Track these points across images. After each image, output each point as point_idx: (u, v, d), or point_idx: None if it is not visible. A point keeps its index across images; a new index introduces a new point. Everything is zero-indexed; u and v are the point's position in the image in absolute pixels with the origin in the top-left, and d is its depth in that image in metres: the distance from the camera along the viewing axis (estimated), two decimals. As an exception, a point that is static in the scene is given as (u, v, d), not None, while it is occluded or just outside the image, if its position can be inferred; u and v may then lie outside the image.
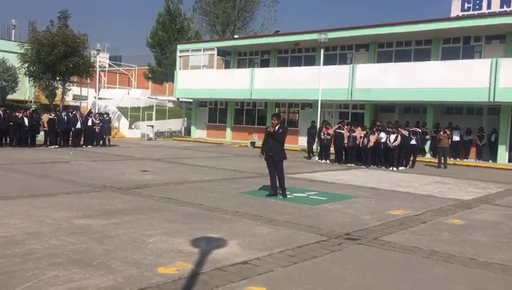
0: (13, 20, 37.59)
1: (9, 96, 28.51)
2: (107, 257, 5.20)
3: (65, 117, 20.58)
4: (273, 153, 9.64)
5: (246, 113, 30.10)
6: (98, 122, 21.84)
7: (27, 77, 27.68)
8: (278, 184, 9.77)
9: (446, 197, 10.94)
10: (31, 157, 15.83)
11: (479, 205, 10.06)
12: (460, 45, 22.71)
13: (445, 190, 12.27)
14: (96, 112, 24.92)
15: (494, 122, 21.63)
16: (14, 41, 31.88)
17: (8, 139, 19.54)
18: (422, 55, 23.17)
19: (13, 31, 37.22)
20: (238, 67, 30.47)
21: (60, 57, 25.18)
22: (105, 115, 22.99)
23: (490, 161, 21.00)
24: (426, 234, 7.09)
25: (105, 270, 4.79)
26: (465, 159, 21.48)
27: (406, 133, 17.65)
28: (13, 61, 27.62)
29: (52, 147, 19.97)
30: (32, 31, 26.89)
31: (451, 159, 20.21)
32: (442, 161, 18.23)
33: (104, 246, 5.62)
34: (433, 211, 9.05)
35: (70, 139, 21.14)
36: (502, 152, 20.84)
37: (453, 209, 9.38)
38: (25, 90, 30.33)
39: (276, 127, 9.60)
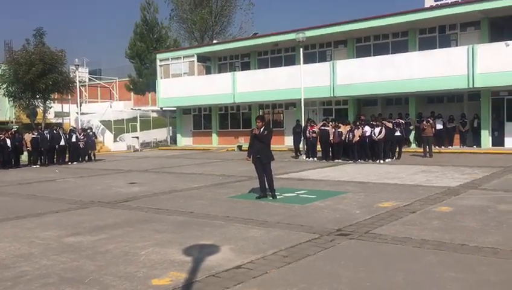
0: (-13, 41, 37.16)
1: (-11, 118, 28.11)
2: (99, 273, 5.16)
3: (48, 135, 20.36)
4: (261, 155, 9.65)
5: (230, 117, 30.09)
6: (82, 137, 21.65)
7: (6, 98, 27.34)
8: (267, 186, 9.78)
9: (433, 185, 11.06)
10: (16, 178, 15.62)
11: (466, 190, 10.19)
12: (436, 34, 22.99)
13: (432, 178, 12.40)
14: (79, 127, 24.69)
15: (475, 107, 21.94)
16: (-10, 62, 31.43)
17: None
18: (400, 47, 23.40)
19: (-12, 52, 36.76)
20: (219, 72, 30.47)
21: (38, 75, 24.96)
22: (88, 130, 22.80)
23: (474, 147, 21.29)
24: (416, 223, 7.16)
25: (98, 286, 4.75)
26: (450, 147, 21.73)
27: (390, 125, 17.80)
28: (-9, 82, 27.22)
29: (36, 166, 19.73)
30: (8, 51, 26.62)
31: (436, 147, 20.43)
32: (428, 150, 18.43)
33: (96, 262, 5.57)
34: (421, 200, 9.14)
35: (55, 157, 20.91)
36: (485, 137, 21.15)
37: (441, 197, 9.48)
38: (5, 111, 29.95)
39: (261, 129, 9.61)
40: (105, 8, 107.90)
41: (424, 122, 18.69)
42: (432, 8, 22.69)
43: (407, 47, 23.40)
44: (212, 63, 31.06)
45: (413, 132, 22.68)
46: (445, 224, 7.07)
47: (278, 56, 28.24)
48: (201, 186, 12.32)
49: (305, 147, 19.87)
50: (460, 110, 22.46)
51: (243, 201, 9.70)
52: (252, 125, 28.41)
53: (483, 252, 5.59)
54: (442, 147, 21.42)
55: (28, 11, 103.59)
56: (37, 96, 26.74)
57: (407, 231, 6.70)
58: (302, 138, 20.11)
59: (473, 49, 19.77)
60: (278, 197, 9.73)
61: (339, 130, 17.93)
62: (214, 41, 34.47)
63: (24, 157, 20.56)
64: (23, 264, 5.56)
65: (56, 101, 32.08)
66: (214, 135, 30.35)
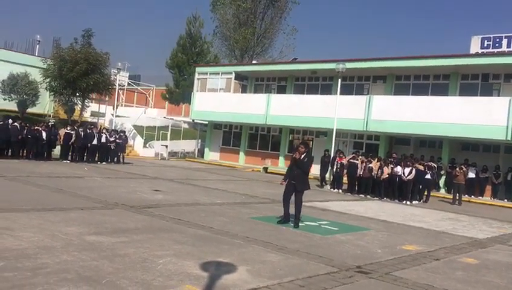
0: (38, 36, 38.67)
1: (29, 110, 29.05)
2: (116, 276, 5.19)
3: (82, 133, 20.84)
4: (296, 182, 9.45)
5: (260, 138, 30.19)
6: (113, 139, 22.07)
7: (48, 92, 28.25)
8: (292, 212, 9.61)
9: (460, 234, 10.75)
10: (46, 171, 16.01)
11: (493, 244, 9.86)
12: (479, 82, 22.66)
13: (459, 227, 12.06)
14: (112, 129, 25.21)
15: (511, 161, 21.34)
16: (38, 56, 32.67)
17: (25, 151, 19.83)
18: (440, 90, 23.14)
19: (37, 46, 38.26)
20: (255, 92, 30.73)
21: (81, 74, 25.74)
22: (121, 133, 23.24)
23: (506, 200, 20.63)
24: (439, 271, 6.95)
25: (114, 289, 4.77)
26: (480, 197, 21.14)
27: (421, 168, 17.50)
28: (35, 75, 28.23)
29: (66, 161, 20.17)
30: (56, 48, 27.62)
31: (466, 196, 19.93)
32: (457, 198, 17.99)
33: (114, 265, 5.61)
34: (446, 248, 8.88)
35: (86, 155, 21.35)
36: (518, 191, 20.49)
37: (466, 247, 9.20)
38: (45, 105, 30.90)
39: (302, 155, 9.45)
40: (153, 18, 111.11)
41: (457, 169, 18.29)
42: (476, 55, 22.48)
43: (447, 90, 23.12)
44: (249, 82, 31.39)
45: (443, 177, 22.21)
46: (469, 276, 6.84)
47: (315, 84, 28.32)
48: (224, 203, 12.33)
49: (332, 177, 19.69)
50: (495, 161, 21.89)
51: (264, 223, 9.64)
52: (281, 149, 28.55)
53: (507, 311, 5.37)
54: (473, 196, 20.87)
55: (79, 12, 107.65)
56: (77, 94, 27.53)
57: (429, 278, 6.51)
58: (330, 168, 19.96)
59: (515, 101, 19.34)
60: (299, 224, 9.61)
61: (370, 165, 17.71)
62: (254, 62, 34.90)
63: (57, 151, 21.06)
64: (44, 257, 5.66)
65: (94, 101, 32.94)
66: (242, 154, 30.45)
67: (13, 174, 13.82)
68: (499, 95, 21.62)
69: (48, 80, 26.70)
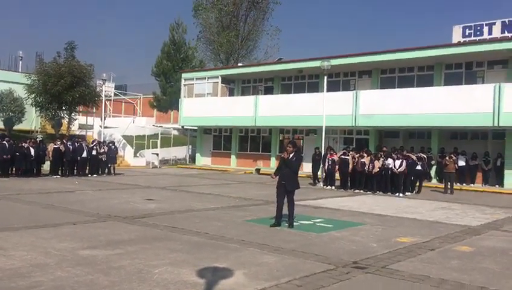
0: (20, 52, 38.32)
1: (15, 127, 28.77)
2: (112, 289, 5.15)
3: (71, 147, 20.68)
4: (286, 182, 9.39)
5: (250, 140, 30.20)
6: (102, 151, 21.92)
7: (34, 107, 28.00)
8: (285, 212, 9.59)
9: (453, 223, 10.83)
10: (36, 187, 15.86)
11: (487, 231, 9.94)
12: (463, 71, 22.86)
13: (452, 215, 12.15)
14: (101, 140, 25.04)
15: (500, 146, 21.57)
16: (21, 72, 32.39)
17: (14, 169, 19.62)
18: (425, 81, 23.32)
19: (20, 62, 37.89)
20: (242, 94, 30.73)
21: (66, 87, 25.55)
22: (110, 144, 23.11)
23: (497, 186, 20.83)
24: (435, 261, 6.99)
25: (111, 302, 4.74)
26: (472, 185, 21.32)
27: (415, 157, 17.67)
28: (20, 92, 27.97)
29: (56, 176, 20.00)
30: (39, 62, 27.36)
31: (458, 184, 20.08)
32: (449, 186, 18.12)
33: (110, 278, 5.57)
34: (441, 237, 8.94)
35: (76, 168, 21.19)
36: (509, 177, 20.67)
37: (461, 235, 9.27)
38: (32, 121, 30.63)
39: (291, 155, 9.43)
40: (135, 26, 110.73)
41: (447, 158, 18.44)
42: (459, 44, 22.68)
43: (432, 81, 23.30)
44: (235, 85, 31.39)
45: (434, 167, 22.37)
46: (464, 264, 6.89)
47: (302, 82, 28.40)
48: (217, 207, 12.30)
49: (324, 174, 19.74)
50: (483, 148, 22.10)
51: (259, 226, 9.64)
52: (272, 150, 28.58)
53: (504, 296, 5.42)
54: (464, 184, 21.05)
55: (59, 23, 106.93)
56: (63, 108, 27.32)
57: (425, 268, 6.54)
58: (321, 165, 20.01)
59: (500, 87, 19.54)
60: (294, 224, 9.60)
61: (362, 160, 17.77)
62: (239, 64, 34.89)
63: (46, 167, 20.88)
64: (38, 274, 5.60)
65: (81, 114, 32.70)
66: (233, 157, 30.43)
67: (2, 193, 13.66)
68: (483, 83, 21.83)
69: (32, 95, 26.47)
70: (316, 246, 7.83)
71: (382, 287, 5.66)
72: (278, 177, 9.61)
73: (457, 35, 25.76)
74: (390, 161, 17.19)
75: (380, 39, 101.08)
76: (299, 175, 9.90)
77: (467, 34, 25.47)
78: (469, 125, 20.73)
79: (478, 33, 25.11)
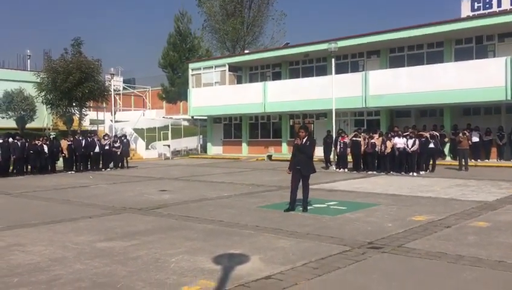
0: (28, 51, 38.69)
1: (28, 125, 29.08)
2: (130, 279, 5.21)
3: (83, 141, 20.86)
4: (301, 167, 9.29)
5: (260, 127, 30.16)
6: (118, 145, 22.11)
7: (44, 105, 28.26)
8: (299, 197, 9.55)
9: (469, 199, 10.74)
10: (51, 183, 16.06)
11: (503, 205, 9.85)
12: (473, 45, 22.49)
13: (468, 192, 12.04)
14: (113, 134, 25.22)
15: (514, 120, 21.27)
16: (30, 70, 32.64)
17: (29, 167, 19.88)
18: (435, 58, 22.99)
19: (28, 60, 38.26)
20: (250, 81, 30.63)
21: (75, 84, 25.70)
22: (123, 138, 23.27)
23: (512, 160, 20.59)
24: (451, 238, 6.95)
25: (129, 292, 4.80)
26: (486, 160, 21.10)
27: (428, 135, 17.52)
28: (30, 90, 28.23)
29: (71, 172, 20.23)
30: (47, 60, 27.52)
31: (472, 160, 19.88)
32: (463, 163, 17.95)
33: (127, 268, 5.63)
34: (456, 214, 8.87)
35: (89, 163, 21.40)
36: (524, 150, 20.43)
37: (477, 211, 9.19)
38: (43, 118, 30.94)
39: (304, 140, 9.33)
40: (140, 18, 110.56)
41: (460, 135, 18.25)
42: (468, 18, 22.27)
43: (442, 58, 22.97)
44: (243, 73, 31.28)
45: (448, 145, 22.16)
46: (481, 240, 6.83)
47: (310, 66, 28.19)
48: (231, 195, 12.34)
49: (336, 157, 19.67)
50: (497, 123, 21.81)
51: (273, 211, 9.65)
52: (282, 135, 28.53)
53: (522, 270, 5.37)
54: (479, 160, 20.83)
55: (65, 20, 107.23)
56: (74, 104, 27.52)
57: (441, 245, 6.50)
58: (333, 148, 19.94)
59: (511, 60, 19.19)
60: (308, 208, 9.59)
61: (372, 141, 17.66)
62: (246, 51, 34.71)
63: (60, 163, 21.11)
64: (57, 268, 5.68)
65: (91, 109, 32.94)
66: (244, 144, 30.45)
67: (19, 191, 13.87)
68: (494, 56, 21.46)
69: (43, 93, 26.70)
70: (330, 228, 7.83)
71: (399, 266, 5.64)
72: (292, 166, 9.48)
73: (466, 9, 25.28)
74: (397, 140, 17.05)
75: (387, 18, 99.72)
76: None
77: (475, 7, 24.97)
78: (481, 101, 20.45)
79: (487, 6, 24.59)
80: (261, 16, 41.87)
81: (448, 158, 22.08)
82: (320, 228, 7.88)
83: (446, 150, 22.31)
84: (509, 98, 19.24)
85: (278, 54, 28.54)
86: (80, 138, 21.16)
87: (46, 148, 19.88)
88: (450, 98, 20.73)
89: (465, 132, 18.63)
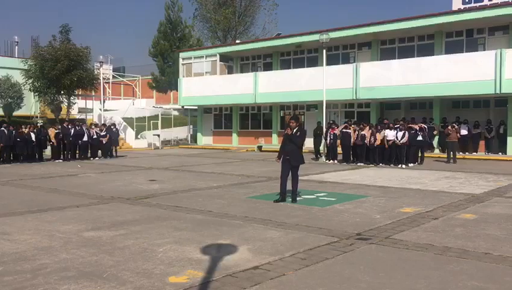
0: (16, 37, 38.11)
1: (15, 113, 28.73)
2: (117, 269, 5.17)
3: (72, 130, 20.65)
4: (290, 157, 9.31)
5: (251, 118, 30.10)
6: (104, 133, 21.91)
7: (32, 93, 27.89)
8: (289, 188, 9.58)
9: (457, 191, 10.82)
10: (39, 172, 15.89)
11: (491, 198, 9.94)
12: (463, 38, 22.57)
13: (456, 184, 12.14)
14: (102, 123, 25.00)
15: (502, 114, 21.46)
16: (18, 57, 32.18)
17: (16, 155, 19.63)
18: (426, 50, 23.04)
19: (16, 47, 37.69)
20: (241, 72, 30.49)
21: (63, 71, 25.38)
22: (112, 126, 23.07)
23: (500, 154, 20.81)
24: (438, 230, 7.00)
25: (116, 282, 4.76)
26: (475, 153, 21.29)
27: (417, 127, 17.62)
28: (17, 77, 27.86)
29: (58, 161, 20.03)
30: (34, 47, 27.15)
31: (460, 153, 20.05)
32: (451, 156, 18.09)
33: (114, 258, 5.59)
34: (444, 206, 8.94)
35: (78, 152, 21.21)
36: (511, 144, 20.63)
37: (464, 203, 9.27)
38: (31, 106, 30.58)
39: (295, 130, 9.35)
40: (131, 6, 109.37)
41: (449, 127, 18.36)
42: (459, 11, 22.30)
43: (432, 50, 23.03)
44: (234, 63, 31.12)
45: (437, 137, 22.30)
46: (468, 232, 6.89)
47: (301, 57, 28.12)
48: (220, 185, 12.31)
49: (326, 149, 19.71)
50: (486, 116, 21.99)
51: (262, 202, 9.65)
52: (273, 126, 28.51)
53: (508, 261, 5.42)
54: (467, 153, 21.02)
55: (54, 7, 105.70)
56: (62, 92, 27.19)
57: (429, 237, 6.55)
58: (323, 139, 19.96)
59: (501, 53, 19.31)
60: (297, 199, 9.61)
61: (362, 132, 17.70)
62: (237, 41, 34.54)
63: (48, 151, 20.90)
64: (43, 257, 5.62)
65: (80, 97, 32.59)
66: (234, 135, 30.39)
67: (5, 179, 13.71)
68: (484, 50, 21.57)
69: (30, 80, 26.34)
70: (319, 219, 7.84)
71: (386, 257, 5.66)
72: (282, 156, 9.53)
73: (457, 2, 25.32)
74: (387, 132, 17.12)
75: (378, 9, 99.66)
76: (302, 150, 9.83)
77: (466, 0, 25.04)
78: (471, 94, 20.57)
79: (478, -1, 24.70)
80: (253, 5, 41.69)
81: (436, 151, 22.24)
82: (309, 219, 7.88)
83: (435, 142, 22.46)
84: (498, 91, 19.38)
85: (269, 45, 28.40)
86: (69, 126, 20.93)
87: (33, 136, 19.65)
88: (440, 91, 20.82)
89: (454, 124, 18.76)
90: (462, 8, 24.26)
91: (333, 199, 9.89)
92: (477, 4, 23.84)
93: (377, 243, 6.29)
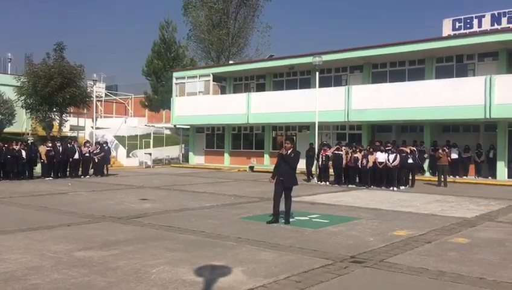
0: (9, 54, 38.06)
1: (6, 129, 28.49)
2: (109, 290, 5.10)
3: (60, 148, 20.48)
4: (284, 178, 9.35)
5: (243, 138, 30.14)
6: (99, 151, 21.80)
7: (24, 110, 27.73)
8: (282, 209, 9.55)
9: (449, 215, 10.87)
10: (29, 189, 15.71)
11: (482, 222, 9.99)
12: (454, 64, 22.94)
13: (447, 208, 12.20)
14: (94, 141, 24.87)
15: (492, 138, 21.70)
16: (11, 74, 32.10)
17: (6, 172, 19.40)
18: (417, 75, 23.38)
19: (9, 64, 37.61)
20: (234, 92, 30.64)
21: (56, 89, 25.29)
22: (104, 145, 22.95)
23: (489, 178, 20.96)
24: (432, 254, 7.00)
25: (109, 303, 4.68)
26: (465, 177, 21.44)
27: (408, 150, 17.75)
28: (10, 94, 27.70)
29: (49, 178, 19.83)
30: (28, 64, 27.08)
31: (451, 176, 20.19)
32: (442, 179, 18.20)
33: (107, 279, 5.51)
34: (437, 230, 8.96)
35: (68, 169, 21.02)
36: (501, 168, 20.81)
37: (456, 227, 9.30)
38: (22, 123, 30.36)
39: (289, 151, 9.41)
40: (125, 26, 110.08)
41: (440, 151, 18.51)
42: (449, 38, 22.74)
43: (423, 75, 23.38)
44: (227, 83, 31.30)
45: (427, 160, 22.46)
46: (462, 256, 6.90)
47: (293, 78, 28.37)
48: (213, 205, 12.25)
49: (318, 170, 19.74)
50: (476, 141, 22.22)
51: (255, 223, 9.60)
52: (265, 147, 28.55)
53: (502, 286, 5.44)
54: (457, 176, 21.16)
55: (48, 26, 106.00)
56: (54, 110, 27.06)
57: (423, 261, 6.55)
58: (315, 161, 20.01)
59: (490, 79, 19.64)
60: (290, 220, 9.57)
61: (355, 155, 17.78)
62: (230, 62, 34.81)
63: (38, 169, 20.69)
64: (34, 277, 5.52)
65: (72, 115, 32.44)
66: (226, 155, 30.35)
67: (-5, 196, 13.52)
68: (474, 75, 21.92)
69: (22, 97, 26.19)
70: (313, 241, 7.82)
71: (381, 281, 5.65)
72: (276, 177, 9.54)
73: (447, 28, 25.87)
74: (379, 154, 17.24)
75: (370, 34, 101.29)
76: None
77: (457, 27, 25.58)
78: (461, 118, 20.82)
79: (468, 26, 25.23)
80: (247, 27, 42.10)
81: (427, 174, 22.37)
82: (302, 241, 7.86)
83: (426, 165, 22.61)
84: (487, 116, 19.63)
85: (262, 66, 28.65)
86: (58, 144, 20.70)
87: (24, 153, 19.46)
88: (430, 115, 21.06)
89: (445, 148, 18.93)
90: (452, 34, 24.75)
91: (326, 221, 9.87)
92: (467, 31, 24.36)
93: (371, 266, 6.28)
